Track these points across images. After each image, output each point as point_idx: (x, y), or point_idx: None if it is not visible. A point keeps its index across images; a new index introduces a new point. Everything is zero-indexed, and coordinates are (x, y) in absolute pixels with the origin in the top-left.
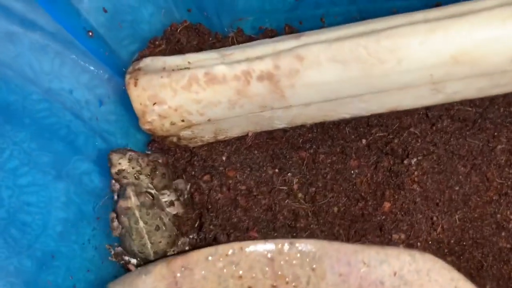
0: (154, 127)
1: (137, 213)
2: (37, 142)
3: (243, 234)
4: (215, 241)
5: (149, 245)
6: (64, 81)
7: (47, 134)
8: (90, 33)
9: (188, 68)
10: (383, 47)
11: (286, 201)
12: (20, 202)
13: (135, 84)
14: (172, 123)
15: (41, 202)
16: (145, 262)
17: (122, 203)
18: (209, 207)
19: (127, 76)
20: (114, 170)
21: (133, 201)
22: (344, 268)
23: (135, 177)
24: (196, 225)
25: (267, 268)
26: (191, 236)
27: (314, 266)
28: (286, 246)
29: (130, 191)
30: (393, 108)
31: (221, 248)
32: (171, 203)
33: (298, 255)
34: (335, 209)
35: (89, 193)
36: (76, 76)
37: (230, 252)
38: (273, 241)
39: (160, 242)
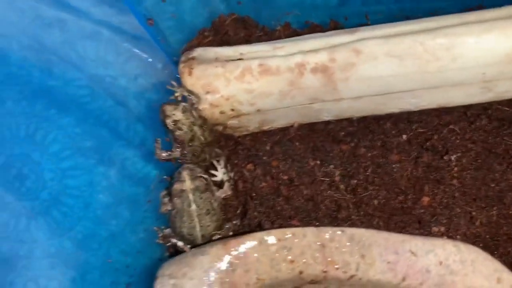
0: (204, 115)
1: (190, 196)
2: (81, 127)
3: (285, 222)
4: (259, 228)
5: (198, 228)
6: (110, 68)
7: (90, 119)
8: (151, 21)
9: (241, 59)
10: (440, 45)
11: (328, 192)
12: (63, 185)
13: (190, 73)
14: (222, 112)
15: (83, 185)
16: (191, 245)
17: (178, 186)
18: (253, 194)
19: (181, 65)
20: (169, 120)
21: (188, 184)
22: (392, 256)
23: (189, 128)
24: (238, 211)
25: (318, 254)
26: (234, 222)
27: (363, 253)
28: (337, 234)
29: (185, 175)
30: (443, 104)
31: (274, 233)
32: (221, 184)
33: (348, 242)
34: (375, 201)
35: (131, 178)
36: (124, 64)
37: (282, 236)
38: (324, 229)
39: (209, 226)
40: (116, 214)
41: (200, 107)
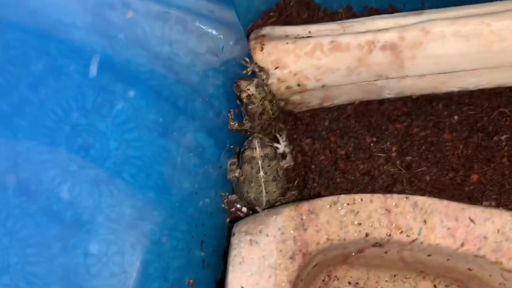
0: (271, 89)
1: (260, 163)
2: (145, 100)
3: (344, 193)
4: (318, 198)
5: (264, 194)
6: (175, 46)
7: (153, 94)
8: None
9: (311, 37)
10: (505, 26)
11: (385, 166)
12: (126, 155)
13: (261, 49)
14: (288, 87)
15: (145, 156)
16: (254, 211)
17: (249, 153)
18: (313, 167)
19: (253, 42)
20: (244, 95)
21: (258, 151)
22: (452, 223)
23: (261, 102)
24: (296, 183)
25: (383, 219)
26: (293, 192)
27: (425, 219)
28: (402, 200)
29: (256, 143)
30: (500, 84)
31: (342, 198)
32: (284, 156)
33: (412, 209)
34: (427, 177)
35: (192, 150)
36: (189, 42)
37: (351, 201)
38: (390, 195)
39: (274, 192)
40: (176, 184)
41: (268, 82)
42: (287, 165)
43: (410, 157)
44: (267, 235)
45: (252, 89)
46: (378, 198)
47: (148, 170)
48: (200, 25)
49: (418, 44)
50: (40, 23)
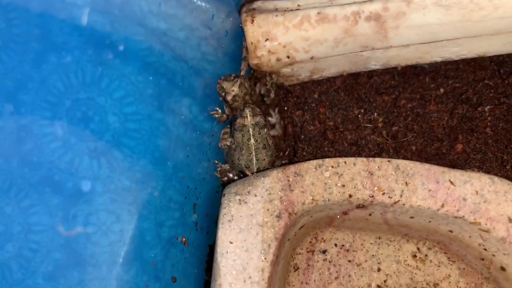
0: (261, 62)
1: (251, 131)
2: (143, 76)
3: None
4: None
5: (254, 161)
6: (171, 22)
7: (150, 70)
8: None
9: (299, 9)
10: None
11: (372, 136)
12: (124, 128)
13: (252, 22)
14: (278, 59)
15: (143, 129)
16: (245, 176)
17: (240, 120)
18: (302, 137)
19: (244, 15)
20: (229, 97)
21: (249, 120)
22: (433, 185)
23: (243, 98)
24: (287, 153)
25: (366, 181)
26: (283, 162)
27: (407, 181)
28: (385, 163)
29: (247, 111)
30: (481, 53)
31: (327, 161)
32: (273, 126)
33: (394, 171)
34: (413, 147)
35: (188, 124)
36: (185, 16)
37: (335, 164)
38: (373, 159)
39: (264, 160)
40: (172, 154)
41: (259, 53)
42: (276, 133)
43: (397, 128)
44: (255, 195)
45: (236, 90)
46: (361, 161)
47: (145, 142)
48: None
49: (401, 14)
50: (41, 2)
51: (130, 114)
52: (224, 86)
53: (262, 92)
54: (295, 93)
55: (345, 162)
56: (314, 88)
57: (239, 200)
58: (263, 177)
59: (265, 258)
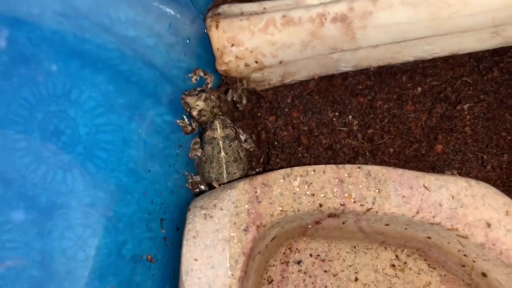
0: (229, 68)
1: (221, 143)
2: (114, 85)
3: None
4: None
5: (225, 175)
6: (139, 29)
7: (121, 78)
8: None
9: (265, 13)
10: None
11: (347, 140)
12: (97, 139)
13: (217, 27)
14: (247, 65)
15: (116, 140)
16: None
17: (210, 133)
18: (275, 143)
19: (209, 20)
20: (195, 113)
21: (219, 132)
22: (407, 191)
23: (210, 112)
24: (262, 160)
25: (336, 189)
26: (258, 170)
27: (379, 188)
28: (355, 170)
29: (217, 123)
30: (455, 51)
31: (296, 170)
32: (246, 140)
33: (365, 178)
34: (391, 149)
35: (161, 132)
36: (153, 23)
37: (304, 173)
38: (343, 166)
39: (235, 173)
40: (147, 166)
41: (226, 59)
42: (249, 147)
43: (373, 130)
44: (221, 209)
45: (201, 104)
46: (331, 169)
47: (118, 154)
48: (158, 5)
49: (367, 14)
50: (11, 12)
51: (102, 125)
52: (188, 102)
53: (234, 98)
54: (268, 98)
55: (314, 170)
56: (287, 93)
57: (205, 214)
58: (229, 189)
59: (232, 275)
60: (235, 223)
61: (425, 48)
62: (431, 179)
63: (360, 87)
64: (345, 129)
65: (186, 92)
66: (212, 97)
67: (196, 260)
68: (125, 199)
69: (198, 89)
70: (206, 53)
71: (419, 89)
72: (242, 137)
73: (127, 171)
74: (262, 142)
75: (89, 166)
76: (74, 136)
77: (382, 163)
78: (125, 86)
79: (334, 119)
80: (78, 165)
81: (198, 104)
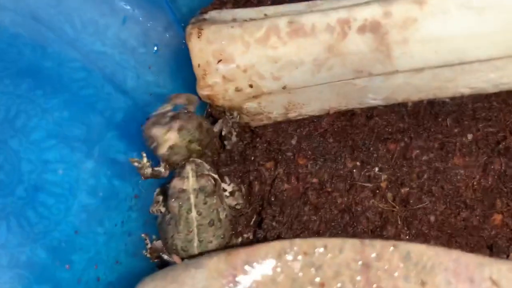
0: (214, 93)
1: (192, 199)
2: (70, 111)
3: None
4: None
5: (195, 243)
6: (108, 44)
7: (82, 104)
8: None
9: (265, 19)
10: None
11: (371, 201)
12: (42, 180)
13: (199, 35)
14: (238, 89)
15: (66, 182)
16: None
17: (177, 183)
18: (272, 199)
19: (189, 27)
20: (163, 151)
21: (191, 183)
22: (465, 285)
23: (186, 148)
24: (252, 222)
25: (359, 277)
26: (246, 236)
27: (423, 279)
28: (389, 250)
29: (189, 170)
30: None
31: (298, 243)
32: (232, 193)
33: (402, 263)
34: (432, 217)
35: (123, 176)
36: (123, 37)
37: (310, 249)
38: (369, 241)
39: (211, 242)
40: (101, 218)
41: (210, 81)
42: (235, 203)
43: (408, 189)
44: None
45: (173, 137)
46: (352, 245)
47: (68, 200)
48: (130, 14)
49: (410, 22)
50: None
51: (51, 161)
52: (154, 134)
53: (223, 132)
54: (266, 138)
55: (325, 246)
56: (292, 131)
57: None
58: (194, 268)
59: None
60: None
61: (490, 76)
62: (501, 268)
63: (390, 129)
64: (369, 185)
65: (152, 120)
66: (190, 125)
67: None
68: (71, 260)
69: (171, 113)
70: (186, 72)
71: (470, 136)
72: (228, 188)
73: (77, 223)
74: (254, 197)
75: (30, 214)
76: (14, 173)
77: (419, 236)
78: (85, 113)
79: (354, 170)
80: (15, 212)
81: (168, 137)
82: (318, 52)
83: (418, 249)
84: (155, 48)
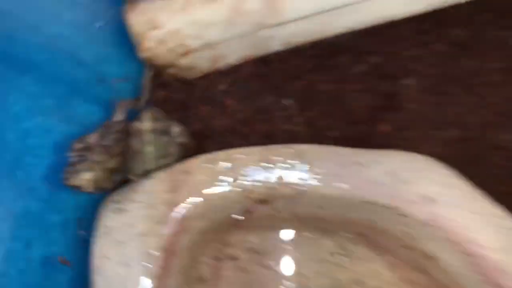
0: (153, 54)
1: (149, 137)
2: (40, 86)
3: None
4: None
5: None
6: (63, 26)
7: (49, 78)
8: None
9: None
10: None
11: (286, 126)
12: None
13: (134, 9)
14: (170, 49)
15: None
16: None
17: (137, 124)
18: (210, 134)
19: (127, 5)
20: (91, 190)
21: (148, 125)
22: (341, 169)
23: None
24: (197, 152)
25: (265, 172)
26: None
27: (312, 168)
28: (285, 150)
29: (147, 117)
30: (387, 18)
31: (220, 154)
32: (180, 133)
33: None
34: (334, 133)
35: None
36: (74, 18)
37: (228, 157)
38: (272, 146)
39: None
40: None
41: (147, 45)
42: (183, 141)
43: (313, 113)
44: (136, 202)
45: (88, 176)
46: (258, 151)
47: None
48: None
49: None
50: None
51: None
52: (77, 184)
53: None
54: (201, 87)
55: (239, 153)
56: (221, 79)
57: (118, 209)
58: (146, 179)
59: (149, 273)
60: (150, 216)
61: (355, 17)
62: (365, 156)
63: (297, 70)
64: (283, 114)
65: (67, 174)
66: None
67: (108, 258)
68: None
69: (79, 153)
70: (130, 41)
71: (360, 67)
72: (176, 130)
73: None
74: (196, 134)
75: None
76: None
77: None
78: (53, 86)
79: (272, 104)
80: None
81: (82, 179)
82: (226, 14)
83: (308, 148)
84: (102, 24)
